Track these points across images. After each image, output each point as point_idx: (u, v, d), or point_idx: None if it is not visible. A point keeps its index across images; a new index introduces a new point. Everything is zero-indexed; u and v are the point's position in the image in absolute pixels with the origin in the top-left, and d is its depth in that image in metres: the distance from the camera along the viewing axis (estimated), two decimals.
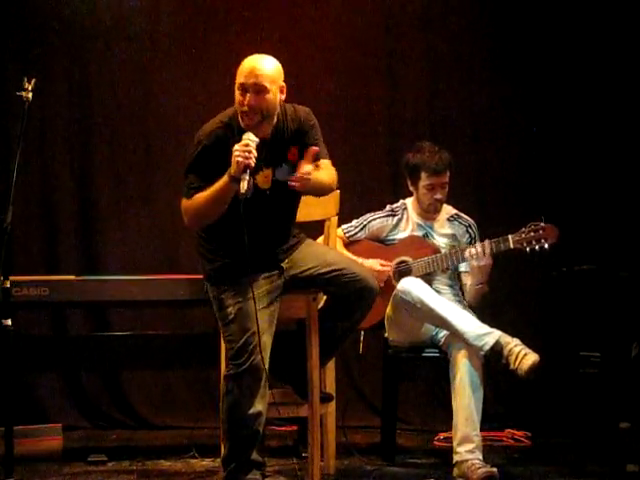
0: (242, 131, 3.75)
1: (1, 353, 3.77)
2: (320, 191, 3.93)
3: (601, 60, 5.54)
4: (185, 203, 3.78)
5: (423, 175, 4.55)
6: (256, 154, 3.64)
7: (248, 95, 3.73)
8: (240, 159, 3.61)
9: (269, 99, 3.75)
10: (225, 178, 3.65)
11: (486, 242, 4.39)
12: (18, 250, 5.15)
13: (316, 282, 3.93)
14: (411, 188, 4.66)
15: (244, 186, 3.61)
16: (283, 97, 3.84)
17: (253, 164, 3.63)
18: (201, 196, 3.73)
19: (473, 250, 4.39)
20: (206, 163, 3.77)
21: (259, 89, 3.73)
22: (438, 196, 4.58)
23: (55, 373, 5.46)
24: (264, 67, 3.77)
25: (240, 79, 3.75)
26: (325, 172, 3.87)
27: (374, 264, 4.52)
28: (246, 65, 3.78)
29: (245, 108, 3.74)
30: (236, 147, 3.65)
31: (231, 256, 3.83)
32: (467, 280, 4.55)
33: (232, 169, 3.63)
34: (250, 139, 3.67)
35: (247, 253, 3.67)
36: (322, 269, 3.91)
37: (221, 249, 3.86)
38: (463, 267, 4.57)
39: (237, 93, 3.77)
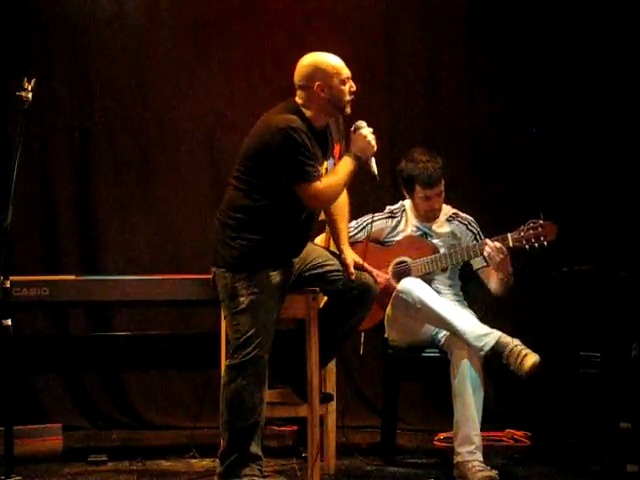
0: (311, 127, 3.86)
1: (1, 353, 3.77)
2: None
3: (600, 60, 5.53)
4: (318, 186, 3.82)
5: (418, 187, 4.55)
6: None
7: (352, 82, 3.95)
8: (374, 143, 3.91)
9: None
10: (352, 162, 3.89)
11: (488, 241, 4.38)
12: (18, 250, 5.15)
13: (316, 277, 3.96)
14: (407, 196, 4.67)
15: (374, 166, 3.95)
16: None
17: None
18: (335, 180, 3.89)
19: (488, 249, 4.34)
20: (309, 146, 3.83)
21: None
22: (435, 206, 4.58)
23: (55, 373, 5.45)
24: None
25: (345, 71, 3.92)
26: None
27: None
28: (337, 59, 3.94)
29: (352, 97, 3.93)
30: (369, 133, 3.92)
31: (268, 240, 3.82)
32: (486, 276, 4.52)
33: (362, 152, 3.90)
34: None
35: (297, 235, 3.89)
36: (322, 262, 3.96)
37: (265, 233, 3.83)
38: (478, 264, 4.55)
39: (342, 87, 3.90)
